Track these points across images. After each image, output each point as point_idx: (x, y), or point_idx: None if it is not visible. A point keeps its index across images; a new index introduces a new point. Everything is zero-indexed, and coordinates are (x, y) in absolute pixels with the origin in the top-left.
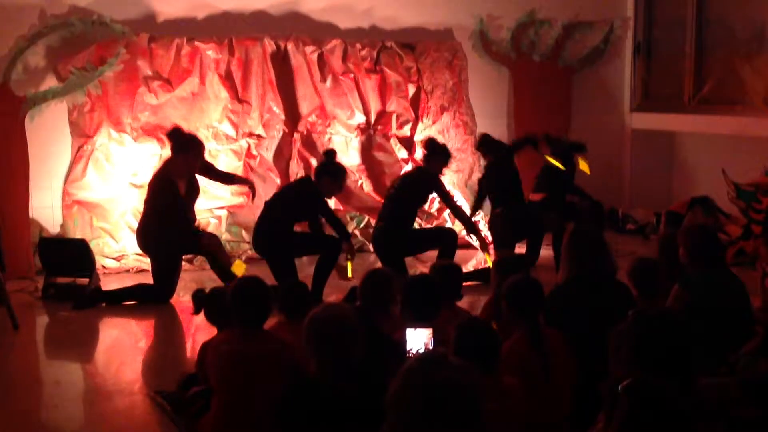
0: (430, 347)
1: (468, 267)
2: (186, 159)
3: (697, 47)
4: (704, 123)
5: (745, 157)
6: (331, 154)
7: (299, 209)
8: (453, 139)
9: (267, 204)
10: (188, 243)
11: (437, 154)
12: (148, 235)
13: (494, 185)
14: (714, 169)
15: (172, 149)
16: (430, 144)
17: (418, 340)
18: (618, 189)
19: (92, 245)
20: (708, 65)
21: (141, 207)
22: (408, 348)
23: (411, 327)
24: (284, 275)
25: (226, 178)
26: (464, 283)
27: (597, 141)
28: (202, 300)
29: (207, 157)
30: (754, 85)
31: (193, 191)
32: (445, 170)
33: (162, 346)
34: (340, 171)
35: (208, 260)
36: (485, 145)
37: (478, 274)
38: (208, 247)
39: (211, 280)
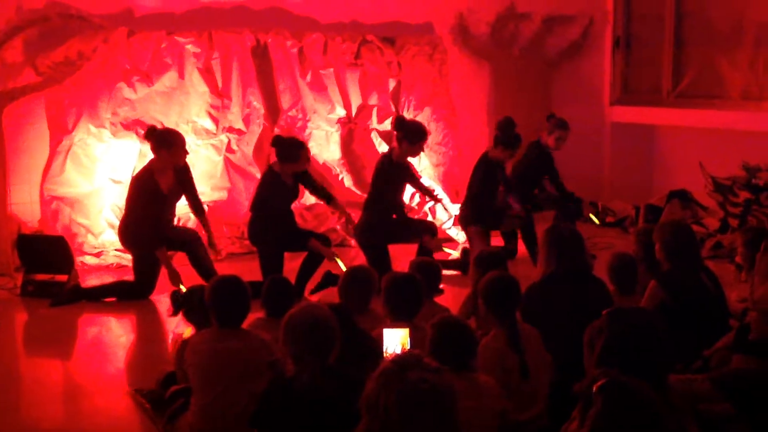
0: (408, 347)
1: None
2: (170, 154)
3: (675, 41)
4: (682, 117)
5: (723, 151)
6: (278, 141)
7: (272, 197)
8: (433, 133)
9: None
10: (162, 239)
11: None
12: (127, 232)
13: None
14: (692, 163)
15: (153, 148)
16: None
17: (394, 340)
18: (597, 182)
19: (71, 242)
20: (686, 59)
21: (120, 203)
22: (384, 348)
23: (388, 327)
24: (270, 269)
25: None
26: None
27: (577, 134)
28: (179, 300)
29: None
30: (731, 78)
31: (178, 191)
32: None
33: (142, 343)
34: (296, 148)
35: (189, 257)
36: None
37: (457, 263)
38: (187, 244)
39: (191, 276)
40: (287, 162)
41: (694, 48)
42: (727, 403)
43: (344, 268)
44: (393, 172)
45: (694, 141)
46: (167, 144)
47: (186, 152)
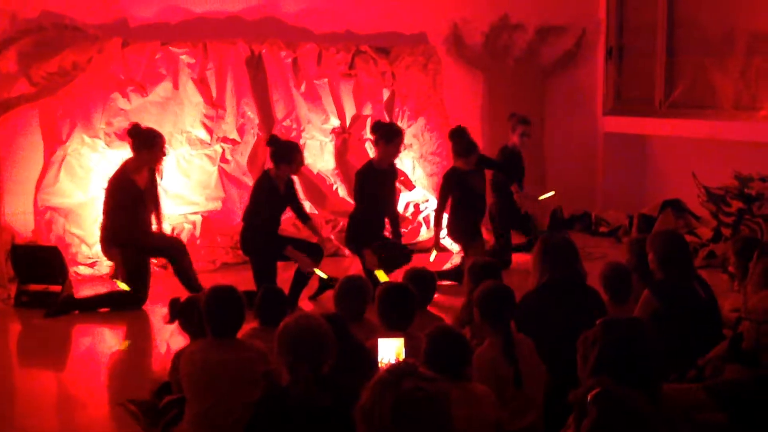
0: (403, 357)
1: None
2: (150, 154)
3: (667, 51)
4: (675, 127)
5: (716, 161)
6: (274, 140)
7: (266, 203)
8: (428, 143)
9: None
10: (148, 243)
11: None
12: (108, 236)
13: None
14: (685, 172)
15: (134, 146)
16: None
17: (389, 349)
18: (591, 191)
19: (65, 252)
20: (679, 69)
21: None
22: (380, 358)
23: (383, 336)
24: (263, 278)
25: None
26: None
27: (570, 144)
28: (177, 308)
29: (181, 161)
30: (724, 88)
31: (152, 189)
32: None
33: (135, 354)
34: (291, 150)
35: (172, 265)
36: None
37: (453, 273)
38: (168, 250)
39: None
40: (282, 163)
41: (686, 58)
42: (721, 413)
43: (323, 276)
44: (378, 178)
45: (687, 151)
46: (149, 144)
47: (164, 154)
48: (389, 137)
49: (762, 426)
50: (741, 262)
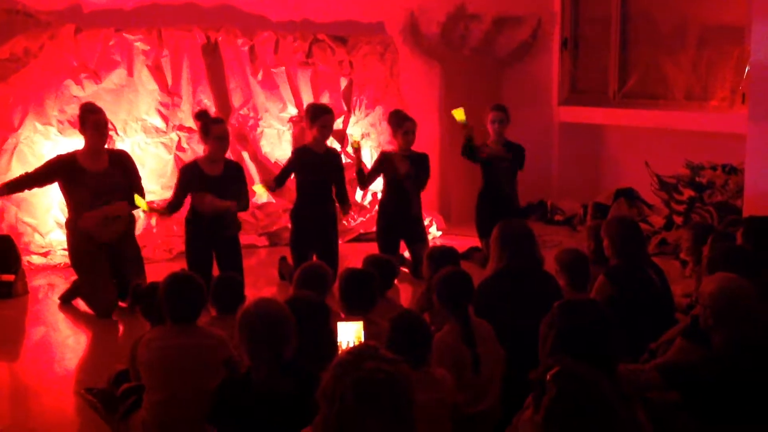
0: (363, 340)
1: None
2: (84, 133)
3: (621, 43)
4: (628, 116)
5: (668, 150)
6: (201, 114)
7: (186, 189)
8: (384, 132)
9: None
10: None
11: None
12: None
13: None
14: (638, 162)
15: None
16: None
17: (349, 332)
18: (546, 181)
19: (17, 241)
20: (632, 60)
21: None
22: (339, 341)
23: (342, 320)
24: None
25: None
26: None
27: (526, 134)
28: (139, 294)
29: (136, 149)
30: (676, 80)
31: (111, 177)
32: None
33: (92, 342)
34: (211, 122)
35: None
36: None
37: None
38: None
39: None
40: (203, 135)
41: (639, 50)
42: (674, 392)
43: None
44: (306, 161)
45: (640, 140)
46: (80, 122)
47: (97, 133)
48: (313, 119)
49: (712, 404)
50: (695, 247)
